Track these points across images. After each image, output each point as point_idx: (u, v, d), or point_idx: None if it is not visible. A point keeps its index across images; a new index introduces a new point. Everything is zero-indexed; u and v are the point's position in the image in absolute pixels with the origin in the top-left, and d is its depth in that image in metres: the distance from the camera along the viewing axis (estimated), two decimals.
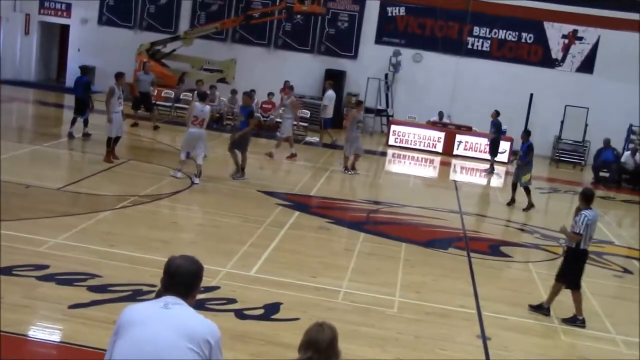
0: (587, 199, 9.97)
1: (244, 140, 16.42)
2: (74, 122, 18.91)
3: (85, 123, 18.98)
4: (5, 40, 28.28)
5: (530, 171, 17.25)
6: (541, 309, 10.02)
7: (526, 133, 18.05)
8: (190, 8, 28.61)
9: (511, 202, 17.42)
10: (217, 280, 9.65)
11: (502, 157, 23.83)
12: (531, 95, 26.27)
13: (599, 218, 9.95)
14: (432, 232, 14.35)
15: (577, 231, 9.69)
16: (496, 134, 22.73)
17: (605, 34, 26.58)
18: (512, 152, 24.61)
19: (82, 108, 18.99)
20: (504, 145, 23.90)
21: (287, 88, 20.98)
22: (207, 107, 15.81)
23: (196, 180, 15.32)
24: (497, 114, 22.70)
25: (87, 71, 20.13)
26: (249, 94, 17.33)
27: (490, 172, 22.75)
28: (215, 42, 27.72)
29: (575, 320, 9.87)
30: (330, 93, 23.75)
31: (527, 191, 17.11)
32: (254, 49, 28.08)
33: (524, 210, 17.06)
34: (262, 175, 18.37)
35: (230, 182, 16.06)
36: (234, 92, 24.91)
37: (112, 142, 16.26)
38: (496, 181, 22.37)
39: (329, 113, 23.76)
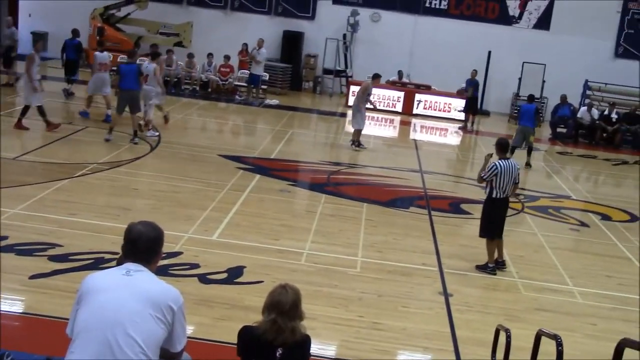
0: (500, 148, 10.15)
1: (133, 101, 15.60)
2: (70, 82, 20.38)
3: (71, 82, 20.37)
4: None
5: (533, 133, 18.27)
6: (486, 268, 10.14)
7: (530, 98, 18.76)
8: None
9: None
10: (179, 245, 9.63)
11: (463, 115, 24.05)
12: (489, 52, 26.41)
13: (516, 169, 10.00)
14: (393, 191, 14.45)
15: (482, 175, 9.95)
16: (475, 92, 23.77)
17: None
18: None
19: (73, 69, 20.57)
20: (463, 104, 24.09)
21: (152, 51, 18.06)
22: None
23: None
24: (476, 72, 23.88)
25: (78, 33, 20.68)
26: (132, 52, 16.80)
27: (464, 127, 23.52)
28: (170, 5, 27.30)
29: (486, 268, 10.10)
30: (262, 51, 23.82)
31: (529, 151, 18.16)
32: (210, 12, 27.70)
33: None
34: (221, 139, 18.29)
35: (190, 147, 15.93)
36: (191, 55, 24.67)
37: (27, 111, 15.66)
38: (455, 139, 22.55)
39: (259, 70, 23.92)
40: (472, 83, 23.75)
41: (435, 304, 8.81)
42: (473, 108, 23.86)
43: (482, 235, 10.21)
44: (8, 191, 11.15)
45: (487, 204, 10.15)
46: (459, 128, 23.56)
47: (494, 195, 9.95)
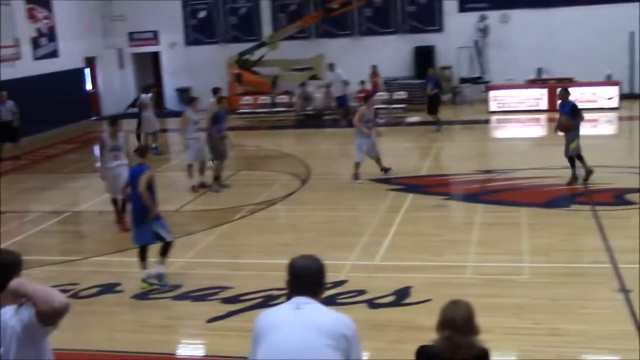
0: None
1: None
2: None
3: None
4: (104, 77, 29.38)
5: (578, 137, 14.24)
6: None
7: (565, 91, 14.77)
8: (271, 12, 28.78)
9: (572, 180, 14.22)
10: (343, 274, 9.72)
11: (613, 102, 23.09)
12: (631, 33, 25.15)
13: None
14: (551, 191, 13.96)
15: None
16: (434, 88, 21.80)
17: None
18: (621, 97, 23.82)
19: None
20: (611, 92, 23.16)
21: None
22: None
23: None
24: (434, 70, 22.99)
25: (219, 93, 17.35)
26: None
27: (438, 129, 21.43)
28: (300, 41, 27.81)
29: None
30: (337, 72, 24.08)
31: (580, 158, 14.17)
32: (338, 41, 28.00)
33: (584, 180, 14.11)
34: (367, 164, 18.36)
35: (339, 176, 16.05)
36: (328, 85, 24.96)
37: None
38: (608, 128, 21.57)
39: (339, 92, 24.14)
40: (430, 80, 21.92)
41: (614, 302, 8.40)
42: (434, 106, 21.58)
43: None
44: (177, 241, 11.62)
45: None
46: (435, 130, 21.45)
47: None
